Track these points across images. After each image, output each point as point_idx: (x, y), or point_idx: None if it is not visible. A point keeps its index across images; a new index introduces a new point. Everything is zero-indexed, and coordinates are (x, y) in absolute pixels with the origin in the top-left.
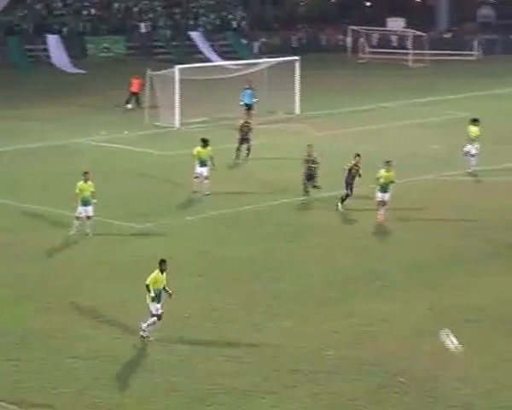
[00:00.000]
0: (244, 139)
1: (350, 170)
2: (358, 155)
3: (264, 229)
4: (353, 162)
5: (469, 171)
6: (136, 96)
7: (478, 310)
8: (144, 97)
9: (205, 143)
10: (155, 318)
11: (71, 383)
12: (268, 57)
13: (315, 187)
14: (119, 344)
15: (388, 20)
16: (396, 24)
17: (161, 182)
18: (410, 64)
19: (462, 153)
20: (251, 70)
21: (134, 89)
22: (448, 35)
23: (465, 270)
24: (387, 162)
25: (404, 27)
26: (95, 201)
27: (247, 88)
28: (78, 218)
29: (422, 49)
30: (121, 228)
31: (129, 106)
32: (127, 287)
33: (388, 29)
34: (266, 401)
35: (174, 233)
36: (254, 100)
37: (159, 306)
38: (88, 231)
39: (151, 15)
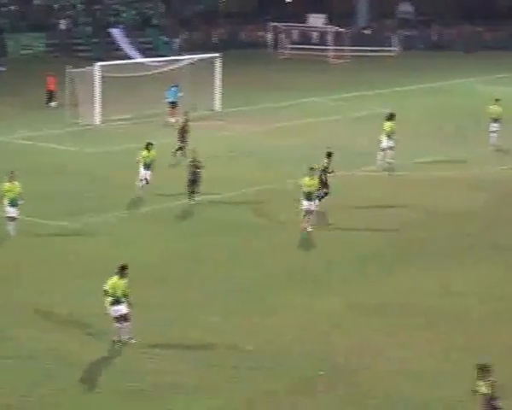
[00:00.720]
0: (183, 138)
1: (324, 170)
2: (329, 155)
3: (193, 225)
4: (325, 162)
5: (386, 165)
6: (51, 94)
7: (398, 304)
8: (64, 95)
9: (149, 146)
10: (126, 321)
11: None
12: (189, 54)
13: (193, 193)
14: (39, 342)
15: (309, 16)
16: (316, 20)
17: (83, 179)
18: (331, 60)
19: (380, 148)
20: (172, 67)
21: (50, 87)
22: (368, 31)
23: (384, 265)
24: (311, 169)
25: (325, 23)
26: (21, 202)
27: (173, 85)
28: (9, 218)
29: (343, 45)
30: (47, 227)
31: (52, 104)
32: (56, 285)
33: (309, 25)
34: (193, 396)
35: (101, 231)
36: (179, 94)
37: (119, 307)
38: (11, 231)
39: (71, 12)
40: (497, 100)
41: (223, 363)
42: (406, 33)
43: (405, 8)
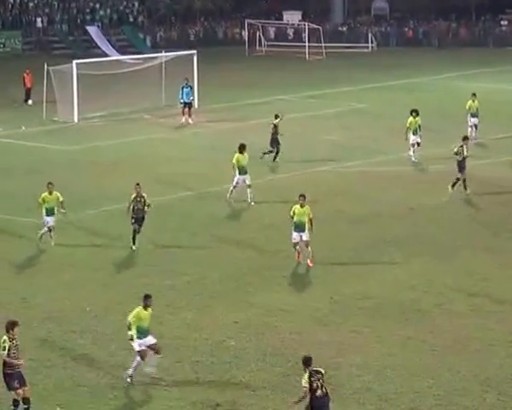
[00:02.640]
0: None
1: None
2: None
3: (166, 222)
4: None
5: (414, 160)
6: (28, 92)
7: (375, 298)
8: (41, 93)
9: (242, 148)
10: (139, 358)
11: None
12: (166, 51)
13: (137, 233)
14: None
15: (285, 13)
16: (292, 17)
17: (60, 176)
18: (307, 57)
19: (410, 144)
20: (149, 64)
21: (28, 84)
22: (344, 28)
23: (362, 260)
24: (301, 196)
25: (301, 20)
26: (63, 211)
27: (186, 85)
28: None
29: (319, 42)
30: (22, 224)
31: (29, 102)
32: (26, 283)
33: (285, 22)
34: (169, 392)
35: (74, 227)
36: (191, 98)
37: (142, 341)
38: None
39: (47, 10)
40: (473, 94)
41: (203, 359)
42: (381, 30)
43: (380, 5)
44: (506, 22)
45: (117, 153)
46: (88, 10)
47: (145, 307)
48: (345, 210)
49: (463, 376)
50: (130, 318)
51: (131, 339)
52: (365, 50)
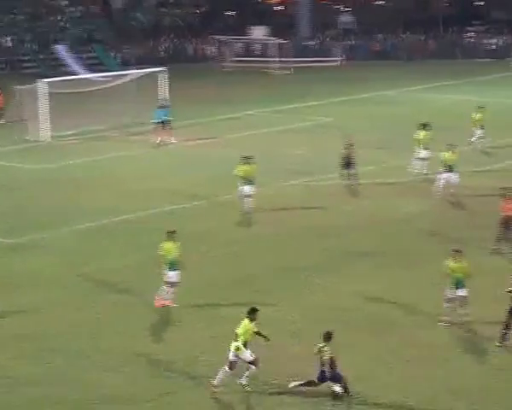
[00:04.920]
0: (350, 164)
1: None
2: None
3: (139, 238)
4: None
5: (422, 174)
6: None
7: (345, 310)
8: (10, 112)
9: (247, 159)
10: (253, 366)
11: None
12: (136, 68)
13: None
14: None
15: (252, 28)
16: (259, 32)
17: (31, 195)
18: (274, 72)
19: (417, 158)
20: (118, 82)
21: None
22: (311, 42)
23: (331, 272)
24: (170, 232)
25: (268, 35)
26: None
27: (161, 106)
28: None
29: (286, 57)
30: None
31: (1, 121)
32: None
33: (252, 37)
34: (145, 408)
35: (47, 247)
36: (169, 118)
37: (249, 351)
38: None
39: (16, 30)
40: (479, 107)
41: (176, 375)
42: (349, 43)
43: (347, 19)
44: (474, 34)
45: (90, 171)
46: (57, 29)
47: (251, 320)
48: (314, 223)
49: (433, 385)
50: (240, 331)
51: (237, 350)
52: (333, 64)
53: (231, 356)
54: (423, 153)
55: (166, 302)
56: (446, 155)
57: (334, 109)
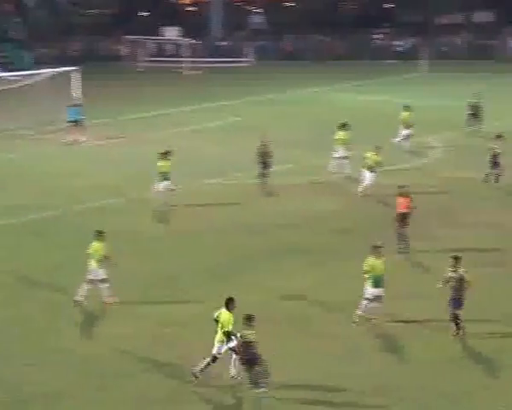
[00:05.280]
0: (266, 162)
1: None
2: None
3: (64, 236)
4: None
5: (340, 174)
6: None
7: (272, 308)
8: None
9: (165, 155)
10: (209, 359)
11: None
12: (47, 67)
13: None
14: None
15: (164, 29)
16: (172, 33)
17: None
18: (186, 72)
19: (334, 157)
20: (29, 81)
21: None
22: (223, 43)
23: (258, 269)
24: (98, 232)
25: (180, 36)
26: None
27: (74, 105)
28: None
29: (198, 57)
30: None
31: None
32: None
33: (165, 38)
34: (74, 404)
35: None
36: (82, 117)
37: (224, 347)
38: None
39: None
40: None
41: (107, 372)
42: (259, 43)
43: (257, 19)
44: (381, 36)
45: (6, 168)
46: None
47: (228, 309)
48: (240, 221)
49: (357, 383)
50: (227, 327)
51: (221, 342)
52: (244, 65)
53: (215, 350)
54: (342, 152)
55: (110, 299)
56: (369, 155)
57: (246, 109)
